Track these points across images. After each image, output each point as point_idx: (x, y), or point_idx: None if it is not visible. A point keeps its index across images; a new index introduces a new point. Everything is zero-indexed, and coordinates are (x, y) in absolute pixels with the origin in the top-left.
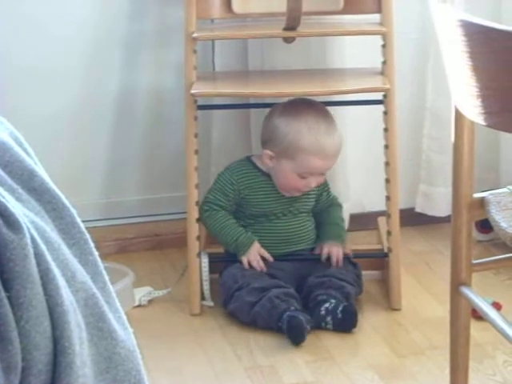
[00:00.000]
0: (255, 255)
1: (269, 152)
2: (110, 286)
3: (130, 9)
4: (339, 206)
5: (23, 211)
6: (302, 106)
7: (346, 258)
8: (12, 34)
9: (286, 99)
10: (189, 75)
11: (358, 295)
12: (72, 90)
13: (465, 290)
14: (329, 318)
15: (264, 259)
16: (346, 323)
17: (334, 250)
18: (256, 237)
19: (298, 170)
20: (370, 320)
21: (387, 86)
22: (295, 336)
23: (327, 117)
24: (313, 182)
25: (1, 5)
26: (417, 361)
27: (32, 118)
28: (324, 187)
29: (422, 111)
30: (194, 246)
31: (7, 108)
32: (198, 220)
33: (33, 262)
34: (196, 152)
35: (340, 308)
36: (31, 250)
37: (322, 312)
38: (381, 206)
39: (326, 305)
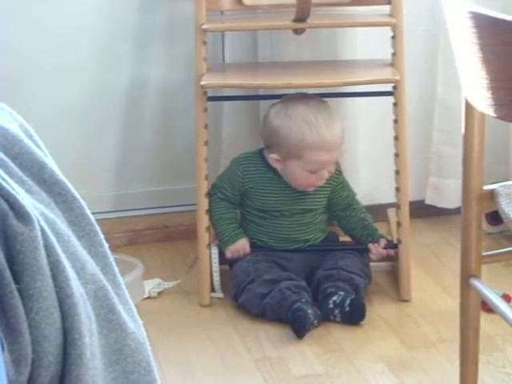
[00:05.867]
0: (234, 251)
1: (275, 156)
2: (120, 278)
3: (140, 2)
4: (359, 204)
5: (33, 203)
6: (296, 104)
7: (353, 248)
8: (23, 29)
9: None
10: (199, 67)
11: (366, 285)
12: (82, 84)
13: (475, 282)
14: (337, 311)
15: (274, 250)
16: (353, 316)
17: (372, 249)
18: (259, 231)
19: (306, 167)
20: (379, 312)
21: (397, 78)
22: (297, 328)
23: (324, 109)
24: (325, 174)
25: (14, 2)
26: (426, 353)
27: (43, 111)
28: (338, 184)
29: (431, 103)
30: (203, 237)
31: (19, 102)
32: (208, 211)
33: (43, 253)
34: (206, 143)
35: (348, 301)
36: (41, 242)
37: (330, 305)
38: (391, 197)
39: (334, 298)
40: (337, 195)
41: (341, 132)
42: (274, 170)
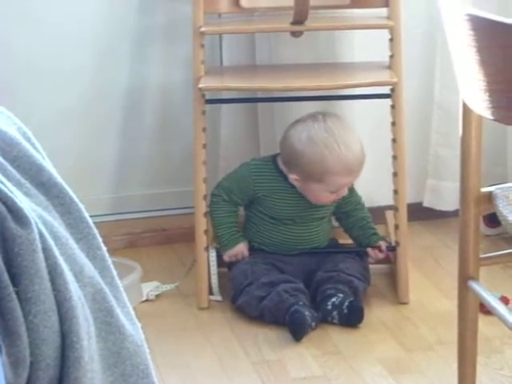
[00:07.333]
0: (232, 255)
1: (295, 176)
2: (118, 281)
3: (139, 4)
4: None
5: (31, 206)
6: (317, 126)
7: (354, 251)
8: (23, 30)
9: (297, 113)
10: (197, 69)
11: (365, 289)
12: (81, 85)
13: (473, 285)
14: (335, 313)
15: (271, 253)
16: (351, 318)
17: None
18: (263, 236)
19: (328, 189)
20: (377, 314)
21: (395, 80)
22: (295, 331)
23: (344, 130)
24: (345, 191)
25: (12, 3)
26: (425, 355)
27: (42, 113)
28: (349, 192)
29: (429, 105)
30: (201, 240)
31: (18, 103)
32: (206, 214)
33: (41, 256)
34: (204, 146)
35: (346, 303)
36: (39, 245)
37: (329, 307)
38: (388, 200)
39: (333, 299)
40: (345, 200)
41: (361, 152)
42: (287, 179)
